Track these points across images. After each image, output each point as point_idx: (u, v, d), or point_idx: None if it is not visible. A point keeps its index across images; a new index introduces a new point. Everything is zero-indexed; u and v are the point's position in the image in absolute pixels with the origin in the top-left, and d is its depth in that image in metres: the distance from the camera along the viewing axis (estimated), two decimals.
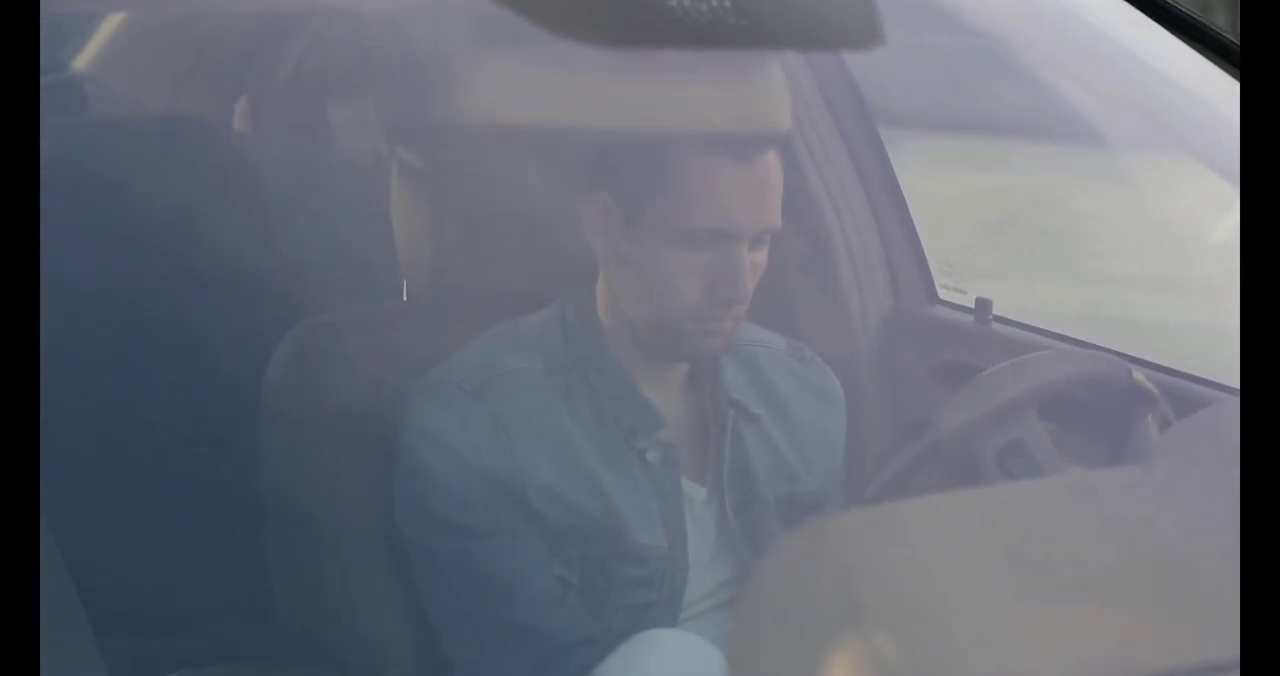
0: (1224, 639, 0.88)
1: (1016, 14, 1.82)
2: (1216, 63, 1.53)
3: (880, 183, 2.23)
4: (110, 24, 2.37)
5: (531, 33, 1.51)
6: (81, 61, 2.34)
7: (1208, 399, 1.66)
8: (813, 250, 2.15)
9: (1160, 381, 2.00)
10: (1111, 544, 1.00)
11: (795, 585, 1.16)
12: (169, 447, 1.77)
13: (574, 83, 1.52)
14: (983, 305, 2.16)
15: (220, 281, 1.81)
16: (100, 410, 1.70)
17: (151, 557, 1.72)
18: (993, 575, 1.02)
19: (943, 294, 2.29)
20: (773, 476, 1.68)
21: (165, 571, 1.71)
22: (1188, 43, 1.55)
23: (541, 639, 1.49)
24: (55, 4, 1.30)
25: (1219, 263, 1.93)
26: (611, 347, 1.59)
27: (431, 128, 1.74)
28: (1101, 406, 1.39)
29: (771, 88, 1.38)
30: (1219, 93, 1.50)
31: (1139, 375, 1.44)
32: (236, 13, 2.06)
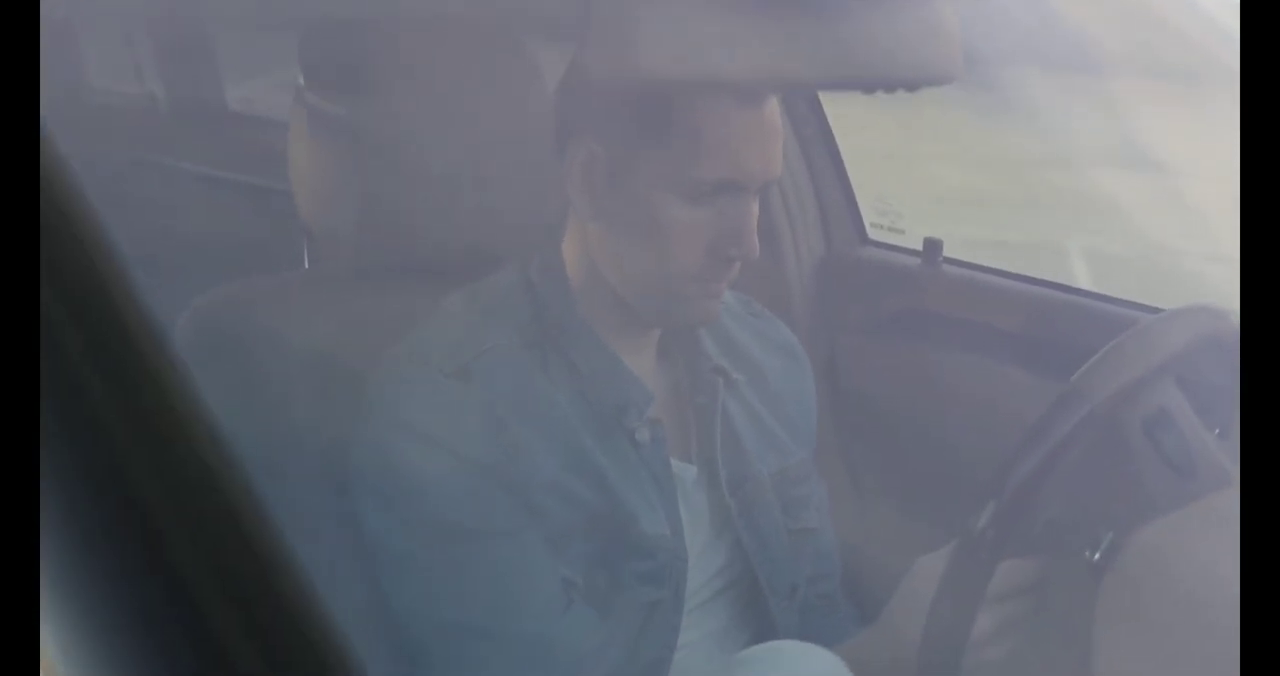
0: None
1: None
2: None
3: (809, 119, 2.06)
4: None
5: None
6: None
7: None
8: None
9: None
10: None
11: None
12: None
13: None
14: (932, 246, 2.01)
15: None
16: None
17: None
18: None
19: (874, 234, 2.14)
20: (763, 449, 1.52)
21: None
22: None
23: (553, 653, 1.30)
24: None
25: None
26: (585, 315, 1.40)
27: (354, 69, 1.51)
28: (1220, 367, 1.27)
29: (946, 26, 1.19)
30: None
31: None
32: None
